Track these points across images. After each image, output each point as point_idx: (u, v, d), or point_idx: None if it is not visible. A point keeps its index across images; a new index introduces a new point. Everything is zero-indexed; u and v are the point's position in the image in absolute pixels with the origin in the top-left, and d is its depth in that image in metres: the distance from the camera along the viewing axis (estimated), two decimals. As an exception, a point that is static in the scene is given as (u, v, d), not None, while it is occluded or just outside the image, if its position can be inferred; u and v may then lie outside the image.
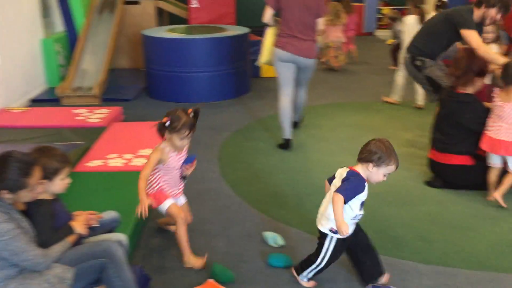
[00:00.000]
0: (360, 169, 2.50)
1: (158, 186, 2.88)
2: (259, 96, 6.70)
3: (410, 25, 6.11)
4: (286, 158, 4.58)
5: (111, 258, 2.23)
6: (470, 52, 3.85)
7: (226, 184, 4.05)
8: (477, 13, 4.07)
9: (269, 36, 4.87)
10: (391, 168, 2.47)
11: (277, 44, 4.64)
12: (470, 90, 3.77)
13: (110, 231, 2.54)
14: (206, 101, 6.37)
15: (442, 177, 3.95)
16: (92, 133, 4.58)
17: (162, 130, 2.79)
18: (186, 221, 2.95)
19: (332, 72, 8.24)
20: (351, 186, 2.47)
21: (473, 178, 3.85)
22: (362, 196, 2.52)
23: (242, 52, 6.62)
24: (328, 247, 2.58)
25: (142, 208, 2.61)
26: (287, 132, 4.80)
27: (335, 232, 2.52)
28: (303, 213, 3.55)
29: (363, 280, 2.73)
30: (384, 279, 2.72)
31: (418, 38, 4.55)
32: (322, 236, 2.60)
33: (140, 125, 4.95)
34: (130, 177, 3.67)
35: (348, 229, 2.45)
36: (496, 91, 3.61)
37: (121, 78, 7.55)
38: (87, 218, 2.38)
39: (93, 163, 3.90)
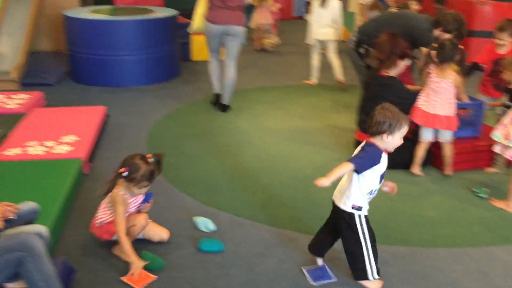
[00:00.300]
0: (375, 141, 2.47)
1: (110, 218, 2.77)
2: (189, 80, 6.58)
3: (314, 8, 6.31)
4: (217, 142, 4.54)
5: (29, 251, 2.10)
6: (393, 36, 3.96)
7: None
8: (433, 32, 4.27)
9: (202, 4, 5.15)
10: (404, 129, 2.46)
11: (208, 18, 4.91)
12: (393, 72, 3.89)
13: (29, 222, 2.39)
14: (134, 85, 6.18)
15: (367, 157, 4.07)
16: (10, 120, 4.32)
17: (118, 179, 2.68)
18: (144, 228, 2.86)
19: (262, 55, 8.25)
20: (365, 156, 2.43)
21: (396, 158, 3.97)
22: (379, 168, 2.46)
23: (170, 35, 6.46)
24: (362, 226, 2.53)
25: (137, 273, 2.56)
26: (217, 87, 5.40)
27: (358, 209, 2.50)
28: (234, 197, 3.53)
29: (317, 254, 2.76)
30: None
31: (371, 27, 4.58)
32: (350, 218, 2.53)
33: (63, 110, 4.72)
34: (51, 165, 3.50)
35: (324, 183, 2.36)
36: (432, 67, 3.77)
37: (42, 61, 7.14)
38: (3, 210, 2.23)
39: (10, 152, 3.67)
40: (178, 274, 2.67)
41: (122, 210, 2.67)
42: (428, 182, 3.82)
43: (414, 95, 3.91)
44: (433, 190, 3.70)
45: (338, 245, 2.70)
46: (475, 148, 4.02)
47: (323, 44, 6.31)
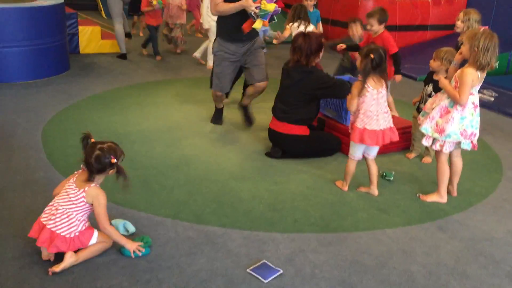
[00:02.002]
0: None
1: (82, 224, 2.60)
2: (80, 74, 6.13)
3: None
4: (121, 138, 4.25)
5: None
6: (304, 35, 3.94)
7: (57, 171, 3.59)
8: None
9: None
10: None
11: None
12: (313, 63, 3.92)
13: None
14: (18, 81, 5.61)
15: (280, 146, 4.07)
16: None
17: (106, 169, 2.60)
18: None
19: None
20: None
21: (308, 147, 4.05)
22: None
23: (57, 25, 5.94)
24: None
25: (136, 248, 2.63)
26: (123, 49, 7.01)
27: None
28: (151, 195, 3.32)
29: None
30: None
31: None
32: None
33: None
34: None
35: None
36: (366, 79, 3.31)
37: None
38: None
39: None
40: (104, 283, 2.43)
41: (105, 200, 2.59)
42: (342, 168, 3.91)
43: (331, 79, 3.95)
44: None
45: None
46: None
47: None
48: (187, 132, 4.52)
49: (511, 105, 5.66)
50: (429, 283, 2.60)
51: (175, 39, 7.59)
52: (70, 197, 2.55)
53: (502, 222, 3.27)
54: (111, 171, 2.60)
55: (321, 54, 3.94)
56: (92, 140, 2.60)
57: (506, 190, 3.73)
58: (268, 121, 4.18)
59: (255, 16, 4.00)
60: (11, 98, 5.08)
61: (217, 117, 4.76)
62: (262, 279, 2.53)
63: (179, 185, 3.49)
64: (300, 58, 3.85)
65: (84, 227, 2.58)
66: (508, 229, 3.18)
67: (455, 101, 3.22)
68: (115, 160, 2.56)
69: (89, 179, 2.58)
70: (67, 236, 2.52)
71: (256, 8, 3.94)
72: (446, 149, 3.36)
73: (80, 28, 7.04)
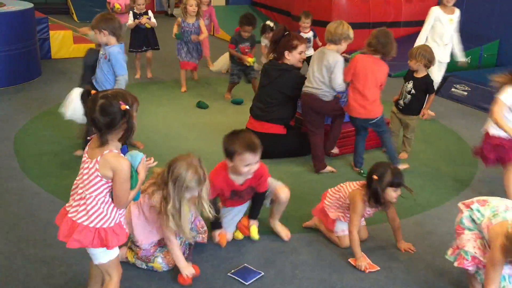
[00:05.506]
0: None
1: (118, 216, 2.04)
2: (52, 80, 6.02)
3: None
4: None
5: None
6: (285, 30, 3.96)
7: (30, 180, 3.52)
8: None
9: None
10: None
11: None
12: (290, 61, 3.93)
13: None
14: (-13, 88, 5.48)
15: (257, 146, 4.06)
16: None
17: (117, 121, 1.92)
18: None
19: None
20: None
21: (285, 146, 4.04)
22: None
23: (27, 31, 5.82)
24: None
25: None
26: None
27: None
28: (127, 201, 3.28)
29: None
30: None
31: None
32: None
33: None
34: None
35: None
36: None
37: None
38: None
39: None
40: None
41: (127, 174, 1.95)
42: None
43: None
44: (325, 174, 3.83)
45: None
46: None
47: None
48: (162, 135, 4.48)
49: (484, 99, 5.73)
50: (408, 279, 2.62)
51: None
52: (84, 174, 1.99)
53: (478, 215, 3.31)
54: (124, 123, 1.93)
55: (296, 55, 3.94)
56: (93, 92, 1.98)
57: (480, 184, 3.79)
58: (246, 122, 4.16)
59: None
60: None
61: None
62: (243, 282, 2.52)
63: (156, 189, 3.45)
64: (282, 53, 3.87)
65: (115, 223, 2.01)
66: (484, 222, 3.22)
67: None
68: (126, 106, 1.91)
69: (101, 143, 1.93)
70: (90, 226, 1.98)
71: None
72: None
73: (51, 32, 6.90)
